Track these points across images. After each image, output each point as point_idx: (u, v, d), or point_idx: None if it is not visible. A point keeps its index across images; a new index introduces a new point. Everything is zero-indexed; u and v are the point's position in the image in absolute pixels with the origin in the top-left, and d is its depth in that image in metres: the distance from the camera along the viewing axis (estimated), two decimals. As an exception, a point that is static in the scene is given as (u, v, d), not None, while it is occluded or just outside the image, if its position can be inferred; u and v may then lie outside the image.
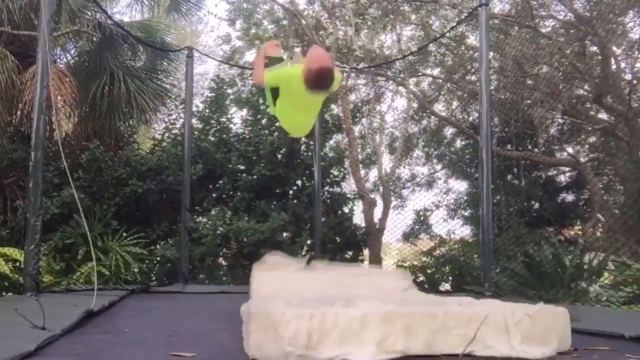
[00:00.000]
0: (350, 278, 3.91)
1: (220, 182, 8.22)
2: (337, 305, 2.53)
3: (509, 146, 9.54)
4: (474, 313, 2.38)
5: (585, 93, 9.88)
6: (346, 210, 8.80)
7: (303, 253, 7.81)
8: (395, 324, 2.27)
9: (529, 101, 8.72)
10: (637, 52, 9.40)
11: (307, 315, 2.20)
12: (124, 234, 6.95)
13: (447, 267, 9.22)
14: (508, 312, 2.39)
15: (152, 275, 7.22)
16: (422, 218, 11.44)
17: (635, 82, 9.20)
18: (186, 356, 2.20)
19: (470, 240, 9.90)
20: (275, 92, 3.73)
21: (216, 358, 2.34)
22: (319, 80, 3.37)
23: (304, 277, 3.79)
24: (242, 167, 8.27)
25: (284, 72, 3.67)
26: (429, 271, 9.11)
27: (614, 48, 9.45)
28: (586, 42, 9.15)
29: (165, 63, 8.93)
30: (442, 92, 12.57)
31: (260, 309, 2.27)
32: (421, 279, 8.83)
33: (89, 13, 8.02)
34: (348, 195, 9.08)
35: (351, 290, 3.43)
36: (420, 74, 12.46)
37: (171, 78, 9.38)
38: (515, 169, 10.03)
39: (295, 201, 8.19)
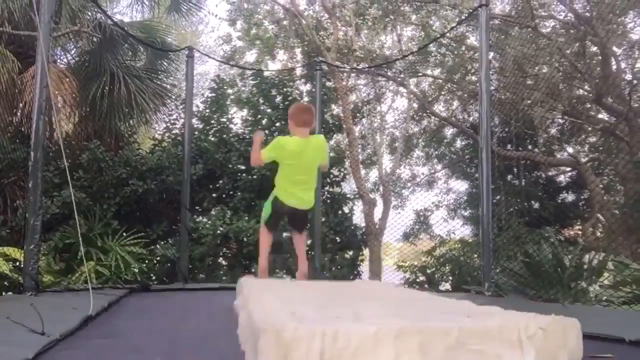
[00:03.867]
0: (340, 288, 3.94)
1: (221, 182, 8.23)
2: (344, 318, 2.50)
3: (509, 146, 9.54)
4: (488, 328, 2.32)
5: (586, 93, 9.88)
6: (346, 210, 8.81)
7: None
8: (409, 341, 2.19)
9: (529, 101, 8.71)
10: (637, 52, 9.40)
11: (319, 333, 2.14)
12: (124, 234, 6.95)
13: (447, 267, 9.23)
14: (522, 325, 2.33)
15: (152, 275, 7.22)
16: (422, 218, 11.46)
17: (635, 82, 9.20)
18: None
19: (470, 240, 9.91)
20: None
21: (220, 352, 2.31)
22: (300, 112, 4.06)
23: (294, 287, 3.84)
24: (242, 167, 8.27)
25: (274, 142, 4.13)
26: (429, 271, 9.12)
27: (614, 48, 9.44)
28: (586, 42, 9.15)
29: (165, 63, 8.93)
30: (443, 93, 12.58)
31: (269, 325, 2.23)
32: (421, 278, 8.84)
33: (89, 13, 8.02)
34: (348, 195, 9.08)
35: (347, 297, 3.43)
36: (420, 74, 12.46)
37: (171, 78, 9.37)
38: (515, 169, 10.04)
39: (295, 201, 8.18)
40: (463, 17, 9.77)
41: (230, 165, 8.20)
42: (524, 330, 2.31)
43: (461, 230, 10.91)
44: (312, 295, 3.52)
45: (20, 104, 7.08)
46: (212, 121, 8.71)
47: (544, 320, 2.39)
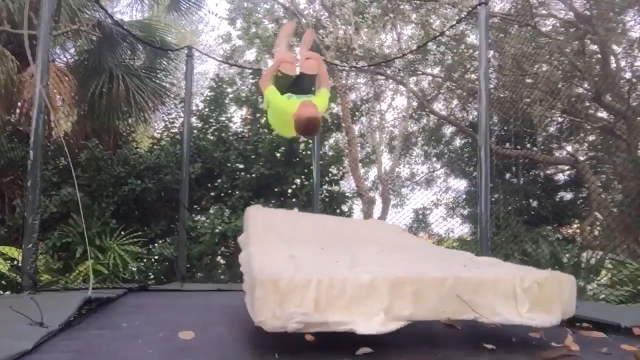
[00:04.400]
0: (345, 228, 3.97)
1: (219, 180, 8.22)
2: (341, 264, 2.46)
3: (508, 145, 9.55)
4: (483, 279, 2.32)
5: (585, 92, 9.87)
6: (345, 208, 8.80)
7: None
8: (403, 290, 2.20)
9: (528, 100, 8.71)
10: (636, 51, 9.39)
11: (314, 282, 2.13)
12: (122, 233, 6.96)
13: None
14: (517, 278, 2.33)
15: (150, 273, 7.23)
16: (421, 216, 11.47)
17: (634, 80, 9.19)
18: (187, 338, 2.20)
19: (468, 239, 9.92)
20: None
21: (216, 343, 2.31)
22: (307, 129, 3.69)
23: (299, 222, 3.89)
24: (241, 166, 8.27)
25: (281, 105, 3.83)
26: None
27: (614, 47, 9.43)
28: (586, 40, 9.14)
29: (164, 62, 8.91)
30: (442, 91, 12.58)
31: (266, 274, 2.19)
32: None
33: (89, 12, 8.02)
34: (347, 194, 9.07)
35: (349, 239, 3.41)
36: (419, 72, 12.46)
37: (171, 77, 9.37)
38: (514, 168, 10.04)
39: (294, 200, 8.18)
40: (462, 16, 9.77)
41: (229, 164, 8.20)
42: (519, 283, 2.31)
43: (460, 228, 10.94)
44: (315, 235, 3.51)
45: (19, 103, 7.09)
46: (211, 120, 8.71)
47: (540, 275, 2.41)
